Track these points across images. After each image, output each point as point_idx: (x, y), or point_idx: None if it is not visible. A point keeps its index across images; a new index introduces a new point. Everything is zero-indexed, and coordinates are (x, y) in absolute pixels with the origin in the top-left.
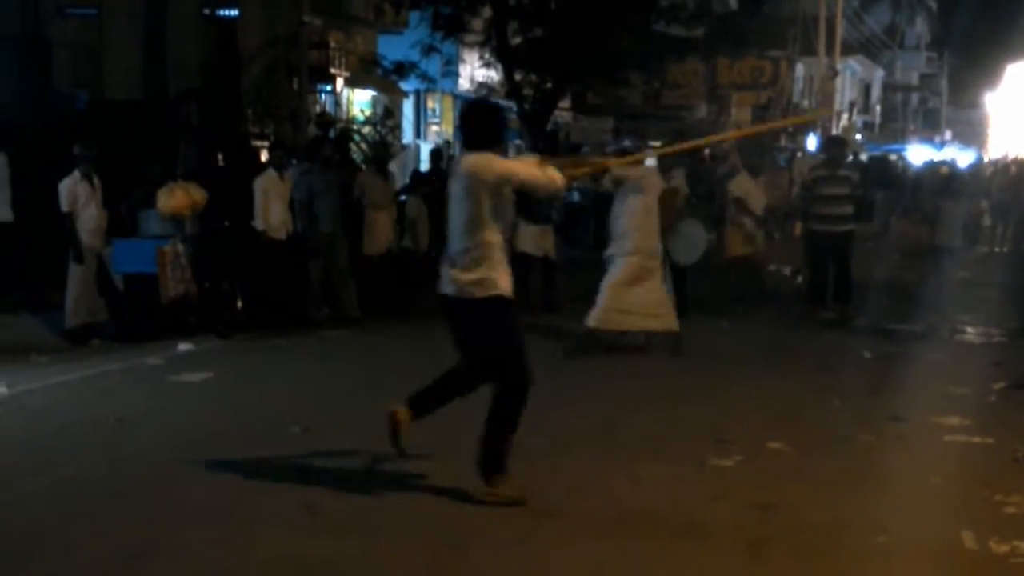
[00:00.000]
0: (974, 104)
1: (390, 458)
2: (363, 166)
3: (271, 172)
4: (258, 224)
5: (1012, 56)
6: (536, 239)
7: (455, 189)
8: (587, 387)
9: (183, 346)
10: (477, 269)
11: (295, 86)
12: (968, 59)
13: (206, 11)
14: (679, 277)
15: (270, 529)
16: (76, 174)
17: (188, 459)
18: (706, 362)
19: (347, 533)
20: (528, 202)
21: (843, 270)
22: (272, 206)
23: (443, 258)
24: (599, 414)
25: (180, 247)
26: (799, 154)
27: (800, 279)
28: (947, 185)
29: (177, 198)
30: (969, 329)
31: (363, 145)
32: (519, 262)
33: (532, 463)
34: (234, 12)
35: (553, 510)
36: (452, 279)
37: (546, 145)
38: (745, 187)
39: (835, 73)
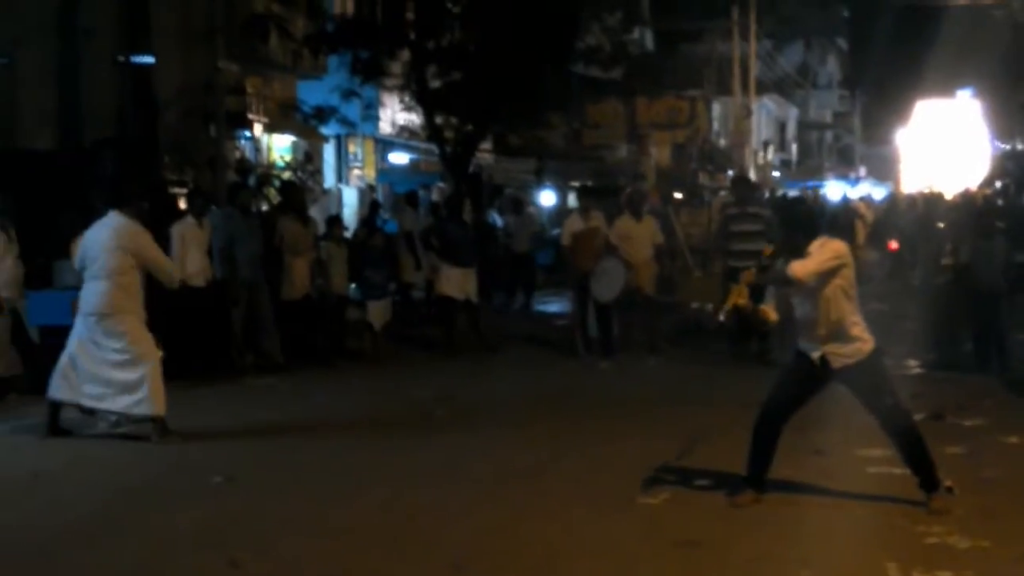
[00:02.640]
0: (886, 140)
1: (312, 507)
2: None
3: (189, 219)
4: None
5: (921, 93)
6: (459, 283)
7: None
8: (513, 429)
9: None
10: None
11: (212, 132)
12: (879, 97)
13: (120, 58)
14: (603, 315)
15: None
16: None
17: (106, 516)
18: (634, 401)
19: None
20: (451, 246)
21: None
22: (190, 253)
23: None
24: (526, 455)
25: None
26: (721, 192)
27: (722, 317)
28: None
29: None
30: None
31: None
32: (443, 305)
33: (460, 506)
34: (149, 59)
35: (479, 552)
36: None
37: (468, 187)
38: (623, 229)
39: (750, 112)
